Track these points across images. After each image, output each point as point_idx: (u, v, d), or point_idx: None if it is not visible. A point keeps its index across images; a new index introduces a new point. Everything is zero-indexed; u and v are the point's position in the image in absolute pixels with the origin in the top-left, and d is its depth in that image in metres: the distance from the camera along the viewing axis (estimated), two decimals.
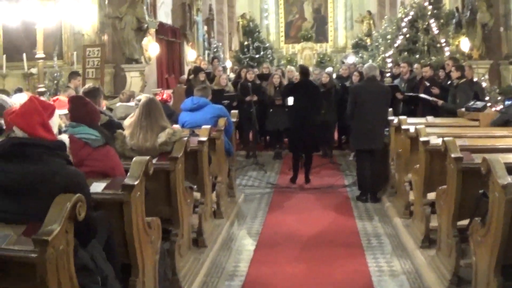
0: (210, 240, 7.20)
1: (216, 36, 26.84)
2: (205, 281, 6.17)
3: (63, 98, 7.30)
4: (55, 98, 7.27)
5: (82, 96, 5.42)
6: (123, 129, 6.34)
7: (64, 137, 3.87)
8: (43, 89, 9.15)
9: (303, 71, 11.39)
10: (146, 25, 14.94)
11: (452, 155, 5.68)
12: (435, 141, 6.84)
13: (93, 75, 14.19)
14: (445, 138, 6.01)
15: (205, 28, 24.36)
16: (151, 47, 15.87)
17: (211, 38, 25.19)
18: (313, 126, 11.05)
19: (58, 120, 3.84)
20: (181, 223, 5.88)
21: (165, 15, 18.97)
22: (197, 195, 6.97)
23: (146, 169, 4.54)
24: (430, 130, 7.81)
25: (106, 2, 14.92)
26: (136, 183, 4.33)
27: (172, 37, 19.20)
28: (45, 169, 3.52)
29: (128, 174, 4.46)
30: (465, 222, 5.40)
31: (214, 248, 7.08)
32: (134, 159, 4.62)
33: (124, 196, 4.26)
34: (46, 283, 3.05)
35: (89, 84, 7.84)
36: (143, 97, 7.13)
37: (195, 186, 6.90)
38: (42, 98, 6.72)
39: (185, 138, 6.24)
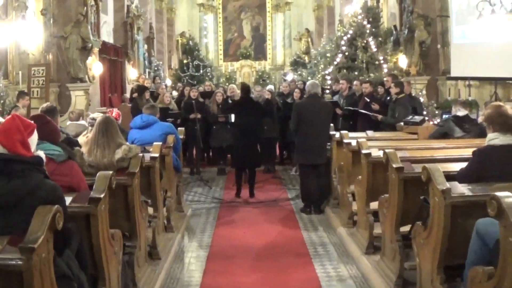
0: (164, 252, 7.42)
1: (156, 54, 27.04)
2: None
3: None
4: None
5: (44, 114, 5.62)
6: (79, 146, 6.55)
7: (41, 153, 4.10)
8: None
9: (245, 88, 11.73)
10: (90, 45, 15.14)
11: (394, 166, 6.08)
12: (377, 153, 7.23)
13: (38, 94, 14.32)
14: (387, 150, 6.41)
15: (146, 46, 24.53)
16: (95, 66, 16.08)
17: (151, 56, 25.37)
18: (255, 142, 11.41)
19: (36, 138, 4.06)
20: (139, 236, 6.12)
21: (107, 34, 19.19)
22: (150, 209, 7.21)
23: (110, 183, 4.79)
24: (371, 143, 8.18)
25: (51, 21, 15.05)
26: (102, 196, 4.59)
27: (114, 56, 19.41)
28: (27, 184, 3.76)
29: (94, 188, 4.70)
30: (407, 228, 5.79)
31: (168, 260, 7.30)
32: (98, 174, 4.87)
33: (91, 208, 4.51)
34: None
35: (46, 103, 8.01)
36: (98, 115, 7.38)
37: (150, 201, 7.13)
38: None
39: (140, 154, 6.51)
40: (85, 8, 15.68)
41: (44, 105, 7.41)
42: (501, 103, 5.91)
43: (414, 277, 5.67)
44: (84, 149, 6.34)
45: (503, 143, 5.25)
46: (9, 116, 3.96)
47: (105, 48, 17.93)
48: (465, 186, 5.00)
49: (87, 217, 4.54)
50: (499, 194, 3.76)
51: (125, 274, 5.51)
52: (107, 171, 4.97)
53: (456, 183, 5.05)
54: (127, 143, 6.82)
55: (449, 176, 5.27)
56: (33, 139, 4.02)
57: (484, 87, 14.96)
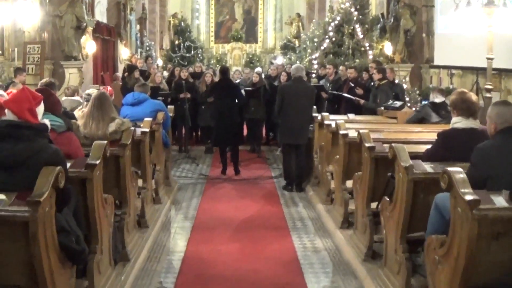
0: (151, 221, 7.89)
1: (148, 34, 27.31)
2: (149, 256, 6.88)
3: (14, 91, 7.90)
4: (8, 91, 7.84)
5: (48, 88, 6.08)
6: (75, 119, 7.00)
7: (46, 121, 4.59)
8: None
9: (222, 70, 12.25)
10: (85, 24, 15.50)
11: (366, 145, 6.58)
12: (353, 134, 7.70)
13: (33, 71, 14.71)
14: (361, 131, 6.91)
15: (138, 27, 24.82)
16: (88, 45, 16.43)
17: (143, 37, 25.68)
18: (233, 122, 11.85)
19: (42, 108, 4.57)
20: (129, 203, 6.59)
21: (100, 14, 19.44)
22: (139, 182, 7.68)
23: (104, 152, 5.26)
24: (351, 125, 8.65)
25: (47, 0, 15.39)
26: (97, 162, 5.06)
27: (107, 36, 19.70)
28: (33, 147, 4.26)
29: (90, 155, 5.17)
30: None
31: (155, 229, 7.79)
32: (94, 143, 5.34)
33: (87, 173, 4.97)
34: (37, 238, 3.76)
35: (45, 79, 8.45)
36: (93, 91, 7.85)
37: (139, 172, 7.60)
38: None
39: (132, 128, 6.98)
40: None
41: (44, 80, 7.87)
42: (465, 90, 6.38)
43: (382, 249, 6.15)
44: (80, 122, 6.80)
45: (466, 126, 5.74)
46: (20, 88, 4.44)
47: (98, 28, 18.21)
48: (428, 164, 5.48)
49: (83, 181, 5.00)
50: (450, 169, 4.25)
51: (115, 238, 5.98)
52: (102, 141, 5.43)
53: (419, 161, 5.52)
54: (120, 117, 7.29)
55: (418, 157, 5.79)
56: (40, 108, 4.56)
57: (466, 76, 15.44)
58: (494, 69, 14.55)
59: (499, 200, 4.15)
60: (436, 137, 5.98)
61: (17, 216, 3.79)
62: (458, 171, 4.22)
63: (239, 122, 12.60)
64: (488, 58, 10.29)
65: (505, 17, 9.69)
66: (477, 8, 9.66)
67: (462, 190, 4.05)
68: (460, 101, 5.86)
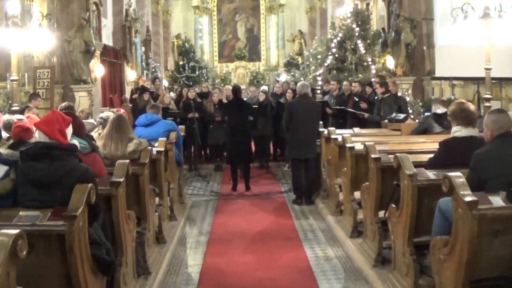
0: (168, 237, 8.23)
1: (153, 56, 27.74)
2: (168, 269, 7.21)
3: (33, 115, 8.27)
4: (26, 115, 8.21)
5: (72, 112, 6.45)
6: (94, 140, 7.35)
7: (76, 142, 4.97)
8: (16, 108, 10.08)
9: (235, 90, 12.58)
10: (93, 48, 15.89)
11: (372, 156, 6.93)
12: (359, 146, 8.04)
13: (44, 95, 15.07)
14: (366, 143, 7.26)
15: (143, 49, 25.25)
16: (97, 68, 16.86)
17: (148, 58, 26.10)
18: (246, 139, 12.23)
19: (71, 129, 4.95)
20: (148, 219, 6.94)
21: (106, 37, 19.90)
22: (156, 199, 8.03)
23: (127, 170, 5.61)
24: (357, 139, 8.97)
25: (55, 26, 15.83)
26: (121, 180, 5.42)
27: (114, 58, 20.13)
28: (66, 166, 4.63)
29: (114, 173, 5.53)
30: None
31: (172, 244, 8.12)
32: (117, 162, 5.71)
33: (112, 191, 5.33)
34: (73, 250, 4.12)
35: (64, 103, 8.84)
36: (108, 114, 8.23)
37: (157, 189, 7.95)
38: (15, 115, 7.73)
39: (149, 148, 7.34)
40: (87, 13, 16.42)
41: (63, 104, 8.28)
42: (463, 100, 6.73)
43: (390, 255, 6.47)
44: (99, 143, 7.15)
45: (465, 135, 6.07)
46: (50, 111, 4.81)
47: (105, 51, 18.65)
48: (431, 171, 5.82)
49: (108, 198, 5.36)
50: (450, 174, 4.61)
51: (137, 252, 6.32)
52: (124, 160, 5.80)
53: (422, 169, 5.88)
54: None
55: (422, 165, 6.17)
56: (69, 130, 4.94)
57: (468, 86, 15.68)
58: (494, 78, 14.82)
59: (497, 201, 4.51)
60: (438, 146, 6.31)
61: (54, 230, 4.16)
62: (458, 176, 4.57)
63: (250, 139, 12.95)
64: (486, 69, 10.57)
65: (503, 27, 9.98)
66: (474, 21, 9.97)
67: (462, 193, 4.41)
68: (459, 111, 6.20)
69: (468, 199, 4.33)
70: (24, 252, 3.20)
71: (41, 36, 10.89)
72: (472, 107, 6.34)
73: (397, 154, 5.97)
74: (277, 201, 11.39)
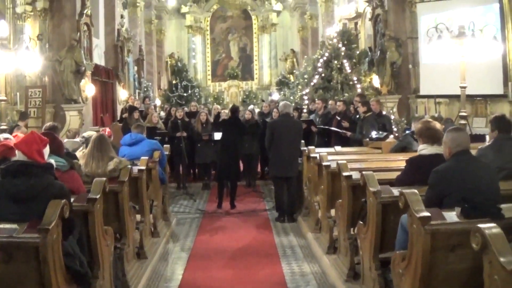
0: (150, 253, 8.45)
1: (145, 75, 28.00)
2: (147, 284, 7.43)
3: (20, 134, 8.53)
4: (14, 134, 8.47)
5: (52, 132, 6.72)
6: (77, 159, 7.60)
7: (52, 161, 5.25)
8: (4, 127, 10.34)
9: (232, 110, 12.87)
10: (83, 68, 16.16)
11: (344, 174, 7.18)
12: (335, 165, 8.28)
13: (35, 114, 15.38)
14: (339, 161, 7.50)
15: (136, 68, 25.49)
16: (88, 88, 17.10)
17: (141, 78, 26.34)
18: (236, 157, 12.55)
19: (48, 149, 5.25)
20: (128, 235, 7.17)
21: (98, 57, 20.12)
22: (137, 216, 8.25)
23: (104, 187, 5.86)
24: (337, 157, 9.19)
25: (47, 46, 16.11)
26: (98, 196, 5.66)
27: (106, 78, 20.33)
28: (42, 183, 4.90)
29: (91, 190, 5.79)
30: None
31: (153, 259, 8.33)
32: (94, 180, 5.97)
33: (89, 207, 5.57)
34: (46, 260, 4.38)
35: (49, 123, 9.10)
36: (89, 134, 8.49)
37: (137, 206, 8.18)
38: (2, 134, 8.01)
39: (129, 166, 7.59)
40: (78, 33, 16.67)
41: (47, 124, 8.52)
42: (429, 119, 6.99)
43: None
44: (81, 162, 7.42)
45: (431, 152, 6.29)
46: (29, 132, 5.10)
47: (97, 71, 18.84)
48: (396, 188, 6.05)
49: (85, 214, 5.60)
50: (405, 191, 4.86)
51: (115, 267, 6.55)
52: (101, 178, 6.05)
53: (387, 186, 6.10)
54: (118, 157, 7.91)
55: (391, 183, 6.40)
56: (47, 150, 5.23)
57: (453, 104, 15.99)
58: (479, 96, 15.18)
59: (452, 216, 4.74)
60: (405, 164, 6.56)
61: (29, 242, 4.42)
62: (412, 193, 4.83)
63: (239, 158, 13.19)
64: (461, 87, 10.82)
65: (477, 45, 10.23)
66: (448, 40, 10.26)
67: (416, 208, 4.65)
68: (425, 129, 6.45)
69: (420, 214, 4.58)
70: None
71: (29, 58, 11.16)
72: (438, 125, 6.59)
73: (363, 172, 6.23)
74: (260, 218, 11.62)
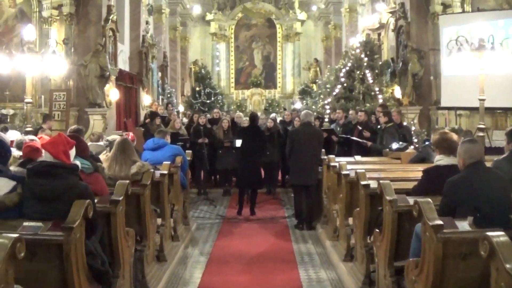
0: (169, 256, 8.61)
1: (169, 81, 28.21)
2: (166, 286, 7.60)
3: (45, 136, 8.75)
4: (39, 136, 8.68)
5: (78, 135, 6.90)
6: (101, 162, 7.78)
7: (78, 162, 5.45)
8: (30, 129, 10.57)
9: (252, 117, 13.00)
10: (108, 73, 16.39)
11: (362, 183, 7.30)
12: (353, 174, 8.39)
13: (59, 117, 15.64)
14: (358, 170, 7.63)
15: (159, 74, 25.71)
16: (112, 92, 17.32)
17: (165, 84, 26.56)
18: (257, 165, 12.65)
19: (74, 151, 5.44)
20: (148, 237, 7.33)
21: (123, 62, 20.38)
22: (158, 220, 8.41)
23: (126, 190, 6.03)
24: (356, 166, 9.27)
25: (72, 50, 16.38)
26: (120, 198, 5.83)
27: (130, 83, 20.55)
28: (66, 183, 5.08)
29: (114, 192, 5.97)
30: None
31: (173, 262, 8.50)
32: (117, 182, 6.15)
33: (111, 208, 5.75)
34: (69, 258, 4.54)
35: (74, 126, 9.33)
36: (113, 138, 8.69)
37: (158, 210, 8.34)
38: (28, 136, 8.23)
39: (152, 170, 7.76)
40: (103, 38, 16.94)
41: (73, 127, 8.74)
42: (446, 130, 7.10)
43: None
44: (104, 165, 7.60)
45: (447, 163, 6.40)
46: (57, 134, 5.29)
47: (121, 76, 19.08)
48: (412, 197, 6.15)
49: (108, 215, 5.78)
50: (420, 200, 4.98)
51: (135, 268, 6.72)
52: (124, 181, 6.23)
53: (403, 195, 6.23)
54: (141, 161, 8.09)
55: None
56: (72, 151, 5.42)
57: (474, 116, 16.05)
58: (499, 108, 15.22)
59: (464, 225, 4.86)
60: (422, 174, 6.66)
61: (53, 239, 4.59)
62: (427, 202, 4.95)
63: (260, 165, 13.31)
64: (480, 99, 10.91)
65: (498, 58, 10.32)
66: (467, 53, 10.36)
67: (429, 217, 4.77)
68: (441, 141, 6.56)
69: (433, 223, 4.70)
70: (22, 254, 3.69)
71: (55, 62, 11.41)
72: (454, 137, 6.69)
73: (380, 181, 6.35)
74: (279, 225, 11.74)
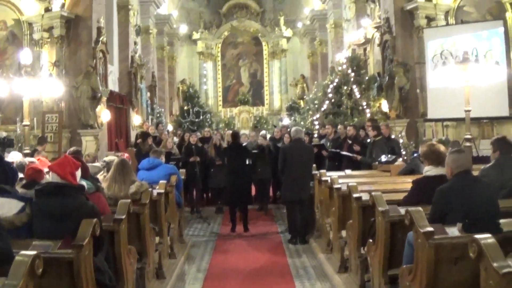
0: (168, 273, 8.81)
1: (158, 101, 28.34)
2: None
3: (43, 158, 8.98)
4: (37, 158, 8.90)
5: (78, 156, 7.14)
6: (99, 182, 7.99)
7: (84, 183, 5.67)
8: (28, 151, 10.76)
9: (233, 135, 13.28)
10: (99, 94, 16.59)
11: (354, 196, 7.54)
12: (345, 187, 8.63)
13: (52, 139, 15.83)
14: (349, 184, 7.87)
15: (148, 94, 25.85)
16: (103, 113, 17.52)
17: (154, 103, 26.72)
18: (244, 182, 12.81)
19: (80, 172, 5.66)
20: (149, 255, 7.54)
21: (112, 82, 20.58)
22: (156, 238, 8.61)
23: (128, 209, 6.26)
24: (347, 180, 9.50)
25: (64, 72, 16.59)
26: (123, 217, 6.06)
27: (120, 104, 20.73)
28: (75, 202, 5.32)
29: (116, 211, 6.20)
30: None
31: (171, 279, 8.69)
32: (119, 201, 6.39)
33: (115, 227, 5.96)
34: (80, 275, 4.75)
35: (73, 148, 9.56)
36: (110, 158, 8.91)
37: (157, 228, 8.55)
38: (27, 158, 8.44)
39: (150, 189, 7.98)
40: (94, 60, 17.17)
41: (72, 149, 8.96)
42: (434, 142, 7.36)
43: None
44: (104, 185, 7.81)
45: (436, 173, 6.64)
46: (63, 155, 5.52)
47: (111, 97, 19.22)
48: (403, 208, 6.39)
49: (111, 233, 6.00)
50: (411, 209, 5.22)
51: (137, 284, 6.93)
52: (126, 200, 6.46)
53: (395, 206, 6.47)
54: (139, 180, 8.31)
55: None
56: (79, 172, 5.65)
57: (461, 127, 16.28)
58: (485, 118, 15.51)
59: (453, 231, 5.12)
60: (411, 185, 6.92)
61: (64, 257, 4.80)
62: (417, 210, 5.21)
63: (249, 182, 13.53)
64: (466, 111, 11.18)
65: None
66: (452, 66, 10.66)
67: (420, 224, 5.02)
68: (429, 152, 6.83)
69: (424, 230, 4.95)
70: (40, 270, 3.94)
71: (50, 84, 11.63)
72: (442, 148, 6.94)
73: (372, 193, 6.60)
74: (273, 240, 11.93)
